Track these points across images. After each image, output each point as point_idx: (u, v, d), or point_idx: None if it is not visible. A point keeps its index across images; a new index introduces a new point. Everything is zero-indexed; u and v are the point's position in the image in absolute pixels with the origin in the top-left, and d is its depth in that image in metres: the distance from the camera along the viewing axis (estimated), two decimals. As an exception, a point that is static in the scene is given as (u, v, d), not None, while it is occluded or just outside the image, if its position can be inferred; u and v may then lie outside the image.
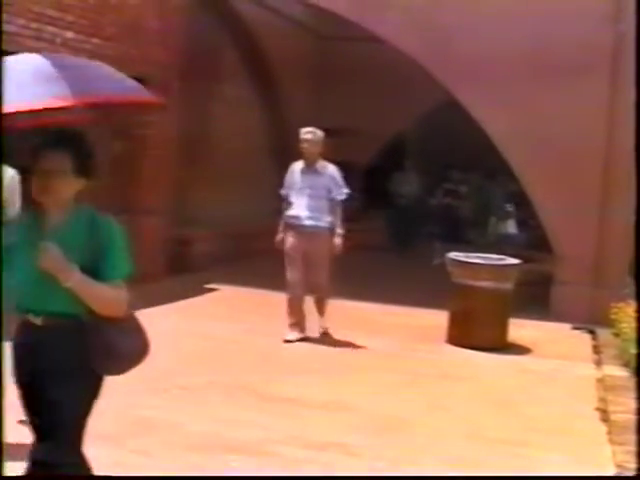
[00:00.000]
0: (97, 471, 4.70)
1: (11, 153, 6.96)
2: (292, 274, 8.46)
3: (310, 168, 8.49)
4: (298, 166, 8.61)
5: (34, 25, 8.69)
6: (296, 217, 8.42)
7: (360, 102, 16.32)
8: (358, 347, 8.48)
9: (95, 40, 9.62)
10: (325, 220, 8.40)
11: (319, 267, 8.45)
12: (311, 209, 8.36)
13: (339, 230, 8.39)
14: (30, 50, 8.49)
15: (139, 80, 11.64)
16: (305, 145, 8.44)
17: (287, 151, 16.22)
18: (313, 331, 8.67)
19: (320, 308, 8.75)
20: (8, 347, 3.51)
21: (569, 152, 10.50)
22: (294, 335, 8.43)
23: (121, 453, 5.02)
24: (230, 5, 13.54)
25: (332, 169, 8.54)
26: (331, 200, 8.41)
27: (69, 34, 9.22)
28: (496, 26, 10.71)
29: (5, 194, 5.75)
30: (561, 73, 10.51)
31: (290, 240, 8.43)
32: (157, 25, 10.78)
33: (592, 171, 10.59)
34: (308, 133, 8.46)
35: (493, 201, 17.27)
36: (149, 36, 10.65)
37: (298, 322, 8.52)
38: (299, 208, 8.41)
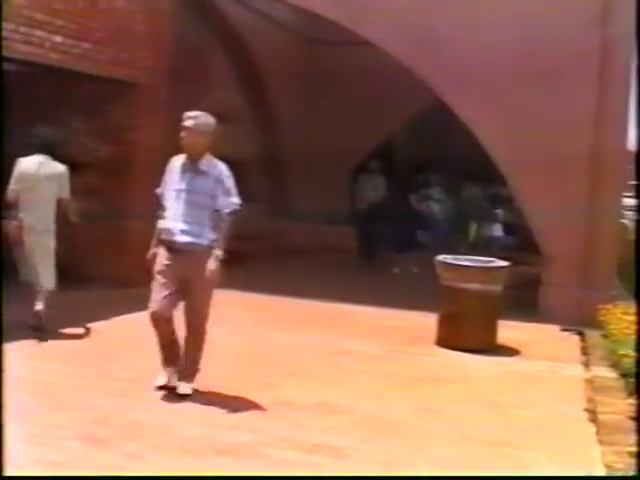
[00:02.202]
0: (90, 473, 4.73)
1: (59, 149, 8.13)
2: (158, 309, 6.31)
3: (192, 165, 6.36)
4: (178, 161, 6.46)
5: (23, 29, 8.69)
6: (168, 231, 6.32)
7: (350, 105, 16.35)
8: (348, 350, 8.50)
9: (84, 44, 9.62)
10: (207, 236, 6.28)
11: (197, 298, 6.38)
12: (188, 221, 6.27)
13: (217, 251, 6.26)
14: (19, 54, 8.59)
15: (130, 84, 11.69)
16: (184, 135, 6.30)
17: (278, 154, 16.31)
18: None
19: (190, 351, 6.52)
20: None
21: (557, 154, 10.55)
22: (163, 379, 6.51)
23: (113, 456, 5.04)
24: (218, 9, 13.56)
25: (221, 169, 6.42)
26: (216, 211, 6.33)
27: (58, 38, 9.22)
28: (485, 29, 10.77)
29: (60, 185, 8.12)
30: (549, 75, 10.57)
31: (160, 260, 6.35)
32: (146, 29, 10.78)
33: (580, 173, 10.65)
34: (189, 119, 6.31)
35: (474, 205, 17.12)
36: (138, 40, 10.66)
37: (172, 362, 6.54)
38: (173, 219, 6.32)
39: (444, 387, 7.34)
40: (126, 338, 8.28)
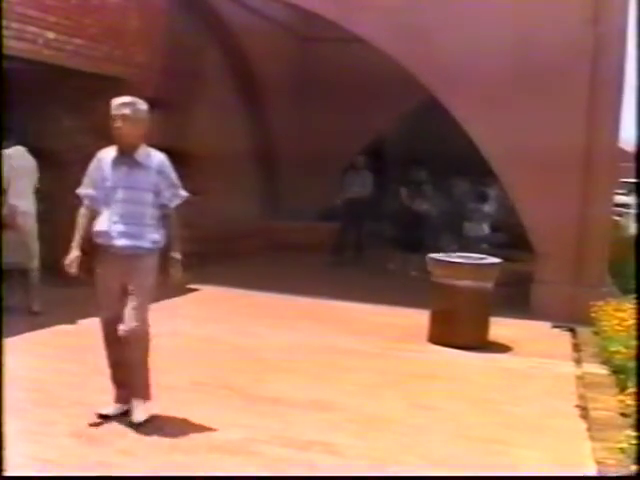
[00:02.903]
0: (82, 471, 4.75)
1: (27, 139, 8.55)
2: (107, 318, 5.70)
3: (127, 158, 5.61)
4: (109, 155, 5.68)
5: (15, 25, 8.69)
6: (105, 234, 5.59)
7: (342, 102, 16.35)
8: (341, 347, 8.52)
9: (77, 41, 9.62)
10: (149, 238, 5.61)
11: (135, 306, 5.59)
12: (127, 221, 5.56)
13: (175, 254, 5.77)
14: (12, 50, 8.58)
15: (121, 80, 11.76)
16: (120, 124, 5.55)
17: (271, 152, 16.30)
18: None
19: (132, 367, 5.68)
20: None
21: (550, 152, 10.57)
22: (111, 408, 5.73)
23: (106, 453, 5.05)
24: (212, 6, 13.55)
25: (161, 159, 5.70)
26: (161, 207, 5.69)
27: (51, 34, 9.22)
28: (478, 28, 10.78)
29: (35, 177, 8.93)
30: (542, 74, 10.59)
31: (100, 270, 5.68)
32: (139, 26, 10.78)
33: (572, 170, 10.68)
34: (125, 106, 5.58)
35: (466, 202, 17.04)
36: (131, 37, 10.66)
37: (122, 383, 5.79)
38: (109, 220, 5.58)
39: (436, 384, 7.37)
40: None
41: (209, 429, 5.62)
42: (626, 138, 12.42)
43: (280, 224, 16.05)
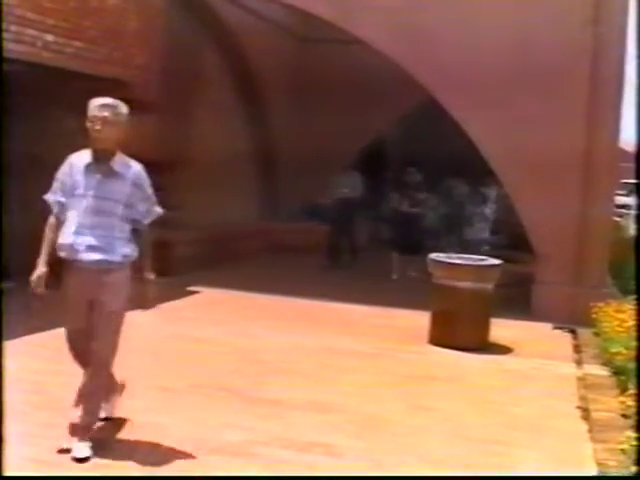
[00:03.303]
0: (82, 472, 4.73)
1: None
2: (72, 329, 5.29)
3: (102, 165, 5.13)
4: (82, 160, 5.19)
5: (14, 28, 8.68)
6: (69, 247, 5.09)
7: (341, 103, 16.34)
8: (340, 348, 8.50)
9: (77, 43, 9.61)
10: (119, 252, 5.13)
11: (102, 325, 5.10)
12: (96, 234, 5.06)
13: (149, 274, 5.33)
14: (11, 53, 8.57)
15: (120, 82, 11.70)
16: (98, 127, 5.10)
17: (270, 154, 16.29)
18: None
19: (85, 394, 5.26)
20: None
21: (550, 152, 10.57)
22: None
23: (105, 455, 5.03)
24: (211, 7, 13.55)
25: (137, 170, 5.25)
26: (133, 222, 5.22)
27: (50, 37, 9.21)
28: (477, 28, 10.78)
29: None
30: (542, 74, 10.59)
31: (67, 282, 5.19)
32: (138, 28, 10.78)
33: (572, 171, 10.68)
34: (106, 108, 5.13)
35: (466, 204, 16.94)
36: (130, 39, 10.65)
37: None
38: (76, 232, 5.07)
39: (436, 385, 7.36)
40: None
41: (209, 431, 5.61)
42: (626, 138, 12.39)
43: (278, 225, 16.06)
